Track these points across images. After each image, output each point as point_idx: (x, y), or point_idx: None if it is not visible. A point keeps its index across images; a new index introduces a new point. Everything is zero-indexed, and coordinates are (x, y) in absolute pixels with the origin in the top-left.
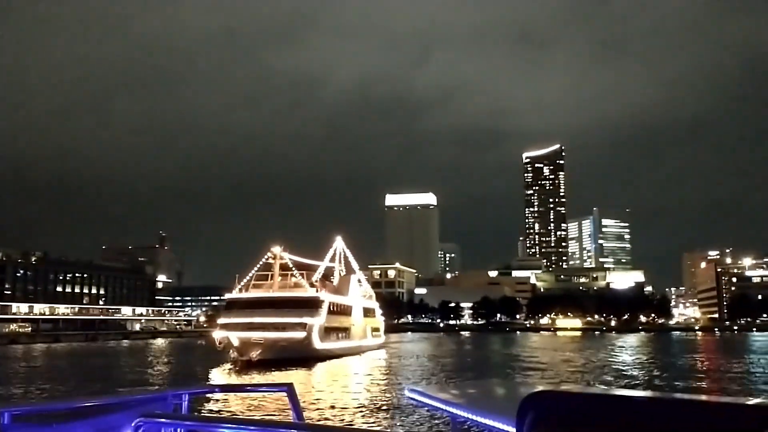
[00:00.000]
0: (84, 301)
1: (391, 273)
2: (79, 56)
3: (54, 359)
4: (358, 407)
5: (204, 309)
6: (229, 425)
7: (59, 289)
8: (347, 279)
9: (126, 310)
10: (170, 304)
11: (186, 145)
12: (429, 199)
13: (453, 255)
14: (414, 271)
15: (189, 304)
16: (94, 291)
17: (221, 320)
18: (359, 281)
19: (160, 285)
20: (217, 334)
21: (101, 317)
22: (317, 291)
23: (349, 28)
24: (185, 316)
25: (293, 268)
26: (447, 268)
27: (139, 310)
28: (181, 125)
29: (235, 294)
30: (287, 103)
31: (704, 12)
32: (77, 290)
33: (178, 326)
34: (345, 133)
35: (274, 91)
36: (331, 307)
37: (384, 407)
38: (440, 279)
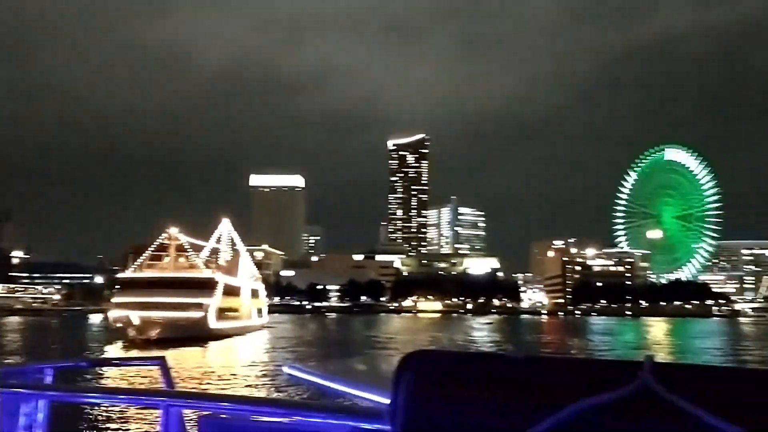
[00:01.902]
0: None
1: (259, 255)
2: None
3: None
4: (240, 382)
5: (57, 287)
6: (94, 394)
7: None
8: (237, 261)
9: None
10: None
11: (42, 114)
12: (296, 181)
13: (318, 237)
14: (281, 253)
15: (38, 281)
16: None
17: (117, 299)
18: (246, 263)
19: (15, 261)
20: (114, 313)
21: None
22: (212, 272)
23: (221, 3)
24: (38, 294)
25: (189, 249)
26: (312, 251)
27: None
28: (39, 93)
29: (129, 273)
30: (154, 76)
31: (561, 17)
32: None
33: (34, 304)
34: (213, 110)
35: (141, 63)
36: (225, 288)
37: (264, 382)
38: (306, 261)
